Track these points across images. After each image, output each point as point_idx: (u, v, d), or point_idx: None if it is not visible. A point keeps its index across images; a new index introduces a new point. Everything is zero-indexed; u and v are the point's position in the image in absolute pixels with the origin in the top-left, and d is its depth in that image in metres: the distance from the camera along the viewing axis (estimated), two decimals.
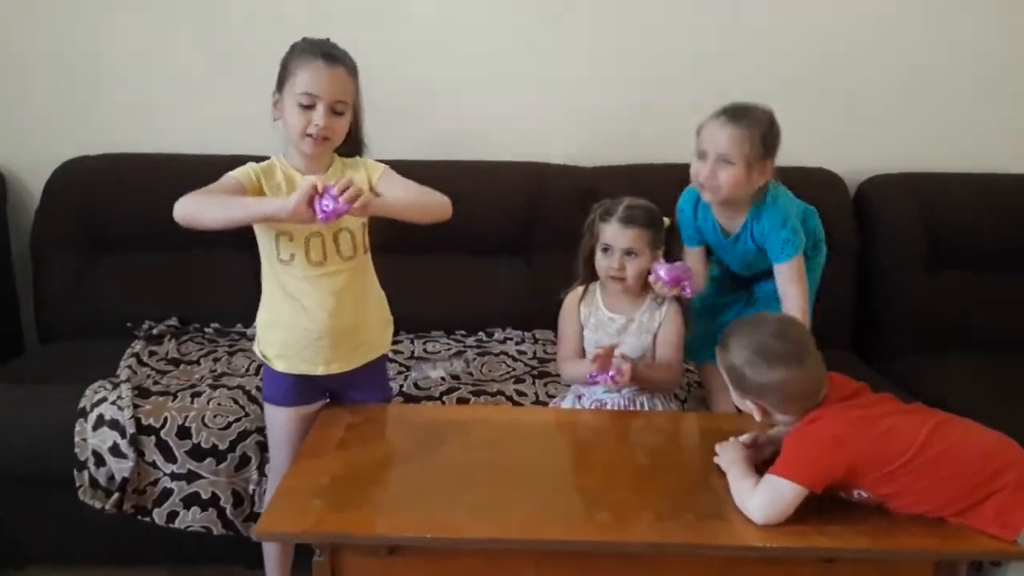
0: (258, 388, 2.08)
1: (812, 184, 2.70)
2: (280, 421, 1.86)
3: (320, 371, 1.82)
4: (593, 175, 2.76)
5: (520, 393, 2.24)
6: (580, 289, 2.07)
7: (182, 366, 2.38)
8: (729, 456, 1.60)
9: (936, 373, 2.47)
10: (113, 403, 2.07)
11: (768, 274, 2.05)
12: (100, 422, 2.04)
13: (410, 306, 2.52)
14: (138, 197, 2.62)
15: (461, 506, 1.50)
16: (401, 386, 2.24)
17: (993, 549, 1.43)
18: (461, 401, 2.19)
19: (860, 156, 2.80)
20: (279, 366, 1.82)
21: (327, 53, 1.72)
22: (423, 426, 1.83)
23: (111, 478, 2.04)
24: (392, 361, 2.41)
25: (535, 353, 2.50)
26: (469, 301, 2.64)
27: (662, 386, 2.03)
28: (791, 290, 1.95)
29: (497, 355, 2.48)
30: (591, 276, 2.05)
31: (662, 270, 1.90)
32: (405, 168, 2.66)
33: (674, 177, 2.65)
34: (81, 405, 2.08)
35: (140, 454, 2.03)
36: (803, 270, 1.98)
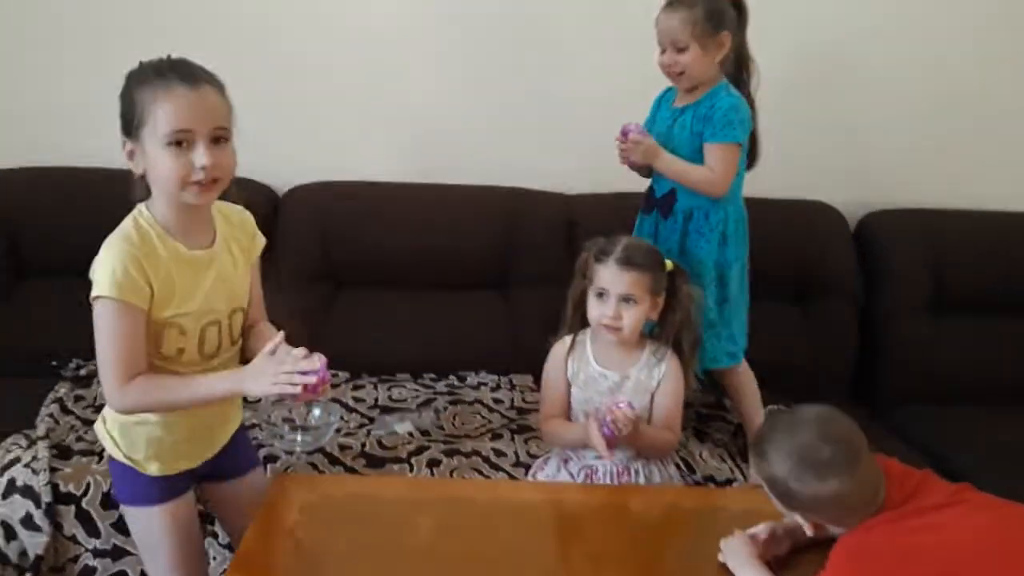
0: None
1: (810, 218, 2.59)
2: (155, 523, 1.52)
3: (203, 460, 1.55)
4: (573, 203, 2.57)
5: (498, 452, 2.01)
6: (568, 340, 1.83)
7: None
8: (738, 557, 1.38)
9: (939, 423, 2.34)
10: (27, 466, 1.80)
11: (668, 204, 2.04)
12: (11, 488, 1.78)
13: (374, 346, 2.37)
14: (66, 215, 2.36)
15: None
16: (363, 444, 1.99)
17: None
18: (432, 463, 1.95)
19: (860, 189, 2.65)
20: (153, 470, 1.49)
21: (185, 74, 1.34)
22: (389, 505, 1.58)
23: (23, 554, 1.78)
24: (353, 411, 2.17)
25: (513, 402, 2.27)
26: (439, 340, 2.41)
27: (660, 451, 1.81)
28: (707, 168, 1.96)
29: (471, 403, 2.25)
30: (581, 324, 1.81)
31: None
32: (371, 190, 2.51)
33: None
34: None
35: (57, 527, 1.78)
36: (735, 165, 1.98)
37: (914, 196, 2.63)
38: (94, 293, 1.34)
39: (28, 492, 1.77)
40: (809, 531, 1.35)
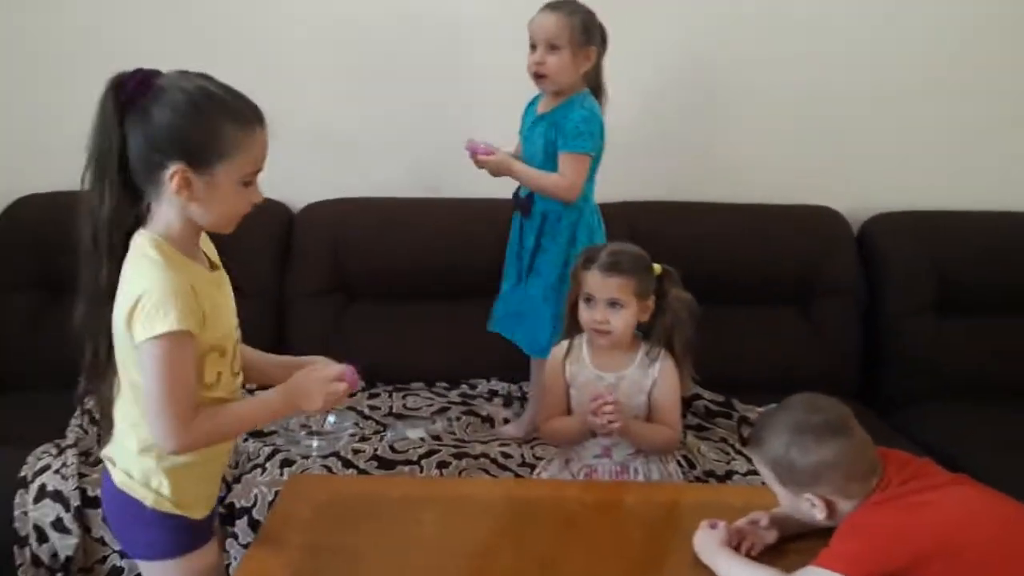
0: None
1: (813, 223, 2.62)
2: (200, 564, 1.43)
3: (210, 507, 1.48)
4: None
5: (506, 455, 2.08)
6: (565, 344, 1.89)
7: None
8: (708, 547, 1.42)
9: (945, 422, 2.35)
10: (57, 472, 1.90)
11: (528, 203, 2.13)
12: (42, 493, 1.87)
13: (388, 356, 2.43)
14: None
15: None
16: (376, 449, 2.07)
17: None
18: (441, 465, 2.02)
19: (863, 193, 2.68)
20: (199, 512, 1.41)
21: (260, 115, 1.30)
22: (397, 502, 1.66)
23: (54, 556, 1.87)
24: (368, 419, 2.25)
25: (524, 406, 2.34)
26: (451, 350, 2.47)
27: (659, 447, 1.86)
28: (558, 176, 2.04)
29: (484, 418, 2.32)
30: (576, 329, 1.88)
31: None
32: (383, 205, 2.59)
33: (665, 215, 2.58)
34: (22, 474, 1.91)
35: (86, 529, 1.87)
36: (584, 174, 2.07)
37: (916, 199, 2.65)
38: (152, 333, 1.22)
39: (58, 497, 1.86)
40: (822, 515, 1.35)
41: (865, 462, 1.35)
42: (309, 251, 2.54)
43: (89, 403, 2.26)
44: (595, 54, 2.08)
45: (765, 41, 2.61)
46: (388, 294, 2.54)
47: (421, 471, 2.00)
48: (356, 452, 2.05)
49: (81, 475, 1.90)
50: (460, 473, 2.00)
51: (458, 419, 2.28)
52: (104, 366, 1.35)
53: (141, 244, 1.29)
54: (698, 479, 2.00)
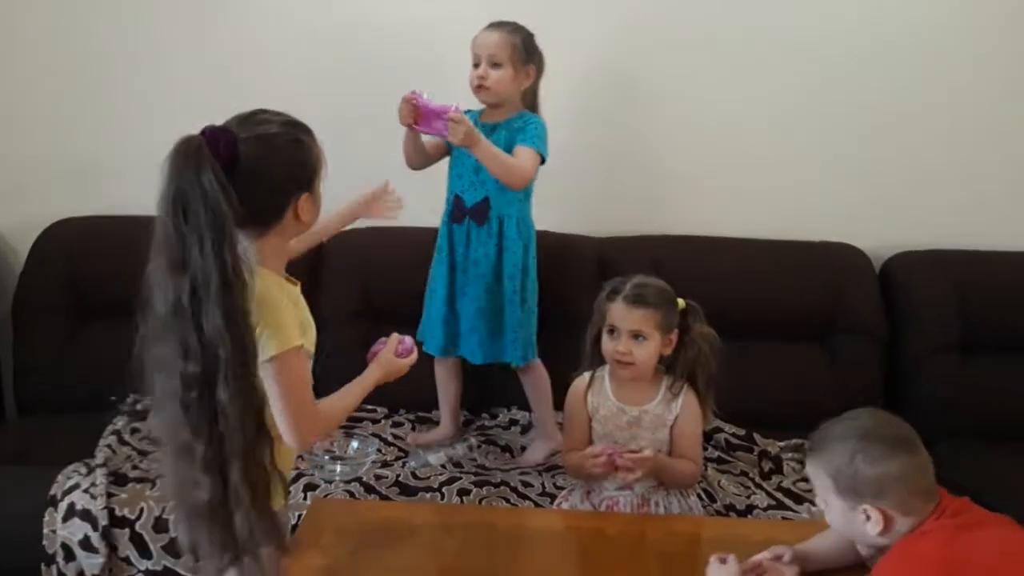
0: None
1: (836, 260, 2.63)
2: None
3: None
4: (604, 245, 2.63)
5: (526, 484, 2.10)
6: (587, 376, 1.91)
7: None
8: None
9: (969, 461, 2.30)
10: (86, 491, 1.93)
11: (483, 211, 2.19)
12: (71, 512, 1.90)
13: (410, 384, 2.43)
14: (127, 261, 2.46)
15: None
16: (398, 475, 2.09)
17: None
18: (462, 492, 2.04)
19: (886, 231, 2.68)
20: (275, 504, 1.41)
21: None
22: (418, 528, 1.68)
23: (81, 574, 1.89)
24: (391, 445, 2.28)
25: None
26: (472, 378, 2.47)
27: (680, 481, 1.87)
28: (515, 160, 2.12)
29: (503, 447, 2.34)
30: (599, 361, 1.89)
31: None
32: (407, 235, 2.62)
33: (689, 250, 2.60)
34: (52, 493, 1.94)
35: (113, 548, 1.90)
36: (535, 169, 2.16)
37: (938, 237, 2.65)
38: (275, 351, 1.31)
39: (86, 516, 1.89)
40: (877, 529, 1.31)
41: (928, 480, 1.34)
42: (335, 278, 2.57)
43: (119, 423, 2.31)
44: (534, 72, 2.19)
45: (789, 78, 2.63)
46: (414, 319, 2.57)
47: (442, 498, 2.02)
48: (378, 478, 2.08)
49: (110, 495, 1.93)
50: (481, 501, 2.02)
51: (479, 447, 2.30)
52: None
53: (248, 276, 1.30)
54: (718, 512, 2.01)
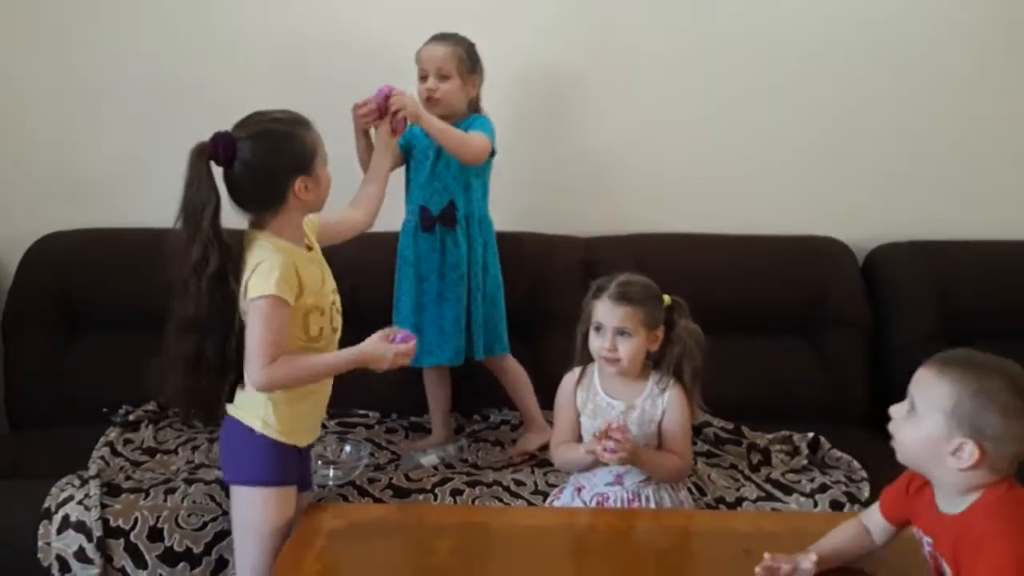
0: None
1: (819, 253, 2.65)
2: (284, 504, 1.71)
3: (314, 438, 1.84)
4: (588, 245, 2.66)
5: (518, 483, 2.11)
6: (577, 372, 1.94)
7: (158, 456, 2.25)
8: None
9: None
10: (80, 503, 1.94)
11: (451, 215, 2.24)
12: (65, 524, 1.91)
13: (402, 388, 2.45)
14: (116, 274, 2.54)
15: None
16: (391, 477, 2.11)
17: None
18: (455, 493, 2.06)
19: (868, 223, 2.71)
20: (297, 440, 1.75)
21: (303, 116, 1.71)
22: (411, 530, 1.69)
23: None
24: (384, 449, 2.29)
25: None
26: (465, 382, 2.49)
27: (669, 475, 1.89)
28: (466, 135, 2.18)
29: (493, 443, 2.36)
30: (589, 358, 1.91)
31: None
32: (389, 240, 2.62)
33: (674, 247, 2.62)
34: (46, 505, 1.95)
35: (108, 559, 1.90)
36: (487, 151, 2.21)
37: (920, 228, 2.68)
38: (254, 294, 1.60)
39: (81, 527, 1.90)
40: (964, 464, 1.26)
41: None
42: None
43: (111, 434, 2.32)
44: (479, 82, 2.27)
45: (765, 72, 2.66)
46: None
47: (435, 499, 2.03)
48: (371, 481, 2.09)
49: (103, 505, 1.93)
50: (473, 501, 2.04)
51: (469, 446, 2.32)
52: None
53: (260, 243, 1.66)
54: (708, 506, 2.02)
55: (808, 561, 1.46)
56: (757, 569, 1.45)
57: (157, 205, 2.57)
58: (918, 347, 2.54)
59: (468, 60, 2.22)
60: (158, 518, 1.92)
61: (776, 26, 2.64)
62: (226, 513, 1.92)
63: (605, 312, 1.81)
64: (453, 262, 2.24)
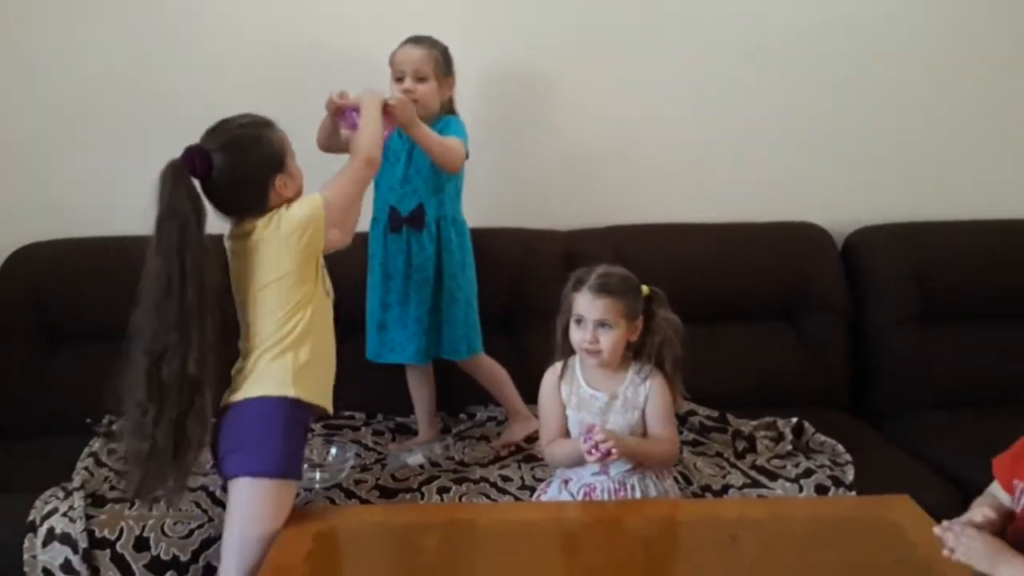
0: (223, 488, 1.92)
1: (798, 238, 2.67)
2: (292, 499, 1.73)
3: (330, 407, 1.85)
4: (568, 239, 2.65)
5: (505, 479, 2.11)
6: (559, 366, 1.94)
7: None
8: (981, 547, 1.25)
9: (937, 430, 2.39)
10: (65, 515, 1.92)
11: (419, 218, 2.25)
12: (51, 536, 1.89)
13: (386, 385, 2.45)
14: (95, 284, 2.51)
15: None
16: (378, 479, 2.10)
17: None
18: (442, 491, 2.06)
19: (846, 207, 2.73)
20: (326, 402, 1.80)
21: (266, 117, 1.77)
22: (397, 530, 1.69)
23: None
24: (370, 450, 2.29)
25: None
26: (446, 379, 2.49)
27: (660, 459, 1.90)
28: (443, 138, 2.20)
29: (478, 439, 2.36)
30: (570, 351, 1.92)
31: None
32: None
33: (654, 238, 2.62)
34: (31, 518, 1.92)
35: (94, 570, 1.88)
36: (463, 157, 2.23)
37: (897, 211, 2.70)
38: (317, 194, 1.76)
39: (66, 539, 1.88)
40: None
41: None
42: None
43: (95, 445, 2.30)
44: (453, 83, 2.29)
45: (741, 61, 2.67)
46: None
47: (422, 498, 2.03)
48: (358, 483, 2.08)
49: (88, 516, 1.91)
50: (460, 498, 2.03)
51: (455, 444, 2.33)
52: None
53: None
54: (694, 494, 2.03)
55: (980, 515, 1.36)
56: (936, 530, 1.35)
57: (135, 214, 2.61)
58: (897, 329, 2.58)
59: (444, 63, 2.24)
60: (144, 527, 1.90)
61: (751, 14, 2.65)
62: (212, 520, 1.91)
63: (586, 304, 1.82)
64: (419, 264, 2.25)
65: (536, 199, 2.72)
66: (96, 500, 1.99)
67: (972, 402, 2.47)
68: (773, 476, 2.10)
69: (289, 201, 1.76)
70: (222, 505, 1.91)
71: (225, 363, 1.78)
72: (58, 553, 1.88)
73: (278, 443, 1.70)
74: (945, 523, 1.35)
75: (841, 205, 2.72)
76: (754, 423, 2.34)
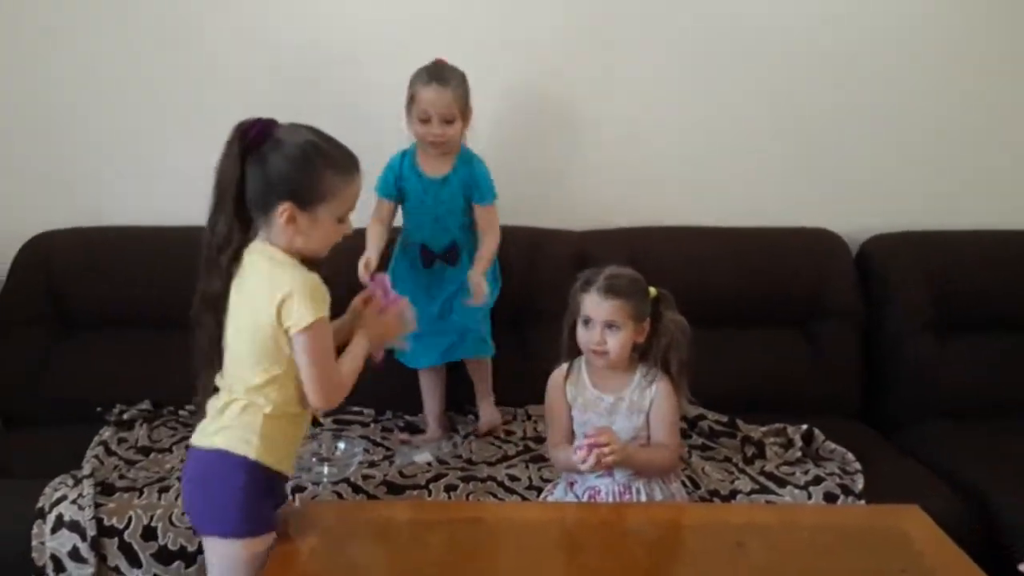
0: None
1: (813, 245, 2.66)
2: (267, 549, 1.57)
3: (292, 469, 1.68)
4: (580, 239, 2.65)
5: (512, 478, 2.11)
6: (565, 367, 1.94)
7: (152, 455, 2.24)
8: None
9: (950, 440, 2.37)
10: (74, 502, 1.93)
11: (454, 254, 2.28)
12: (59, 523, 1.90)
13: (397, 383, 2.45)
14: (108, 273, 2.54)
15: None
16: (385, 475, 2.11)
17: None
18: (449, 488, 2.06)
19: (862, 215, 2.71)
20: (288, 469, 1.63)
21: (357, 164, 1.57)
22: (403, 526, 1.69)
23: None
24: (378, 446, 2.29)
25: (526, 432, 2.37)
26: (453, 378, 2.49)
27: (659, 468, 1.89)
28: (492, 232, 2.27)
29: (485, 435, 2.37)
30: (576, 352, 1.92)
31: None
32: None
33: (668, 241, 2.62)
34: (40, 505, 1.94)
35: (102, 558, 1.90)
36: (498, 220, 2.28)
37: (913, 219, 2.68)
38: (304, 324, 1.48)
39: (75, 527, 1.89)
40: None
41: None
42: None
43: (105, 434, 2.32)
44: (471, 111, 2.25)
45: (756, 66, 2.66)
46: None
47: (430, 495, 2.03)
48: (366, 478, 2.09)
49: (98, 504, 1.93)
50: (467, 496, 2.04)
51: (463, 442, 2.33)
52: (211, 355, 1.58)
53: (267, 250, 1.54)
54: (702, 499, 2.02)
55: None
56: None
57: (148, 204, 2.65)
58: (911, 338, 2.56)
59: (465, 96, 2.22)
60: (152, 517, 1.92)
61: (767, 20, 2.64)
62: None
63: (594, 306, 1.81)
64: (447, 287, 2.29)
65: (550, 198, 2.71)
66: (105, 488, 2.01)
67: (985, 412, 2.45)
68: (782, 483, 2.09)
69: (300, 250, 1.55)
70: None
71: None
72: (66, 540, 1.89)
73: (240, 504, 1.55)
74: None
75: (856, 212, 2.71)
76: (764, 429, 2.33)
